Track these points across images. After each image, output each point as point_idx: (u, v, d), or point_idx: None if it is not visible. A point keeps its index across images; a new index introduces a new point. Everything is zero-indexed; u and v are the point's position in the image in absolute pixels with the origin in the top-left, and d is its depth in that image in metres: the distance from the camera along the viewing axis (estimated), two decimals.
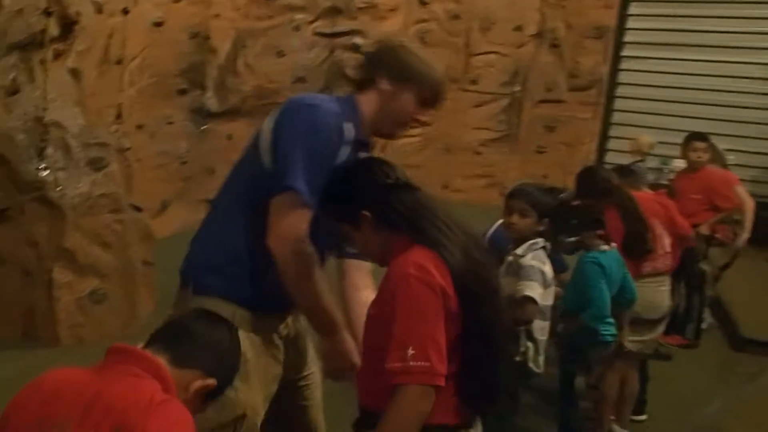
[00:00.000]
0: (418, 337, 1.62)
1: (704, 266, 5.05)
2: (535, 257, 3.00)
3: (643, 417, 4.04)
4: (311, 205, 1.87)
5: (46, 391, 1.45)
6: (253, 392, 2.03)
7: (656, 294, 3.75)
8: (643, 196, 3.93)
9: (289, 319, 2.16)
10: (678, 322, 5.07)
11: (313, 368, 2.31)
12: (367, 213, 1.78)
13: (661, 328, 3.86)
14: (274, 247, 1.89)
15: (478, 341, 1.71)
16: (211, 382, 1.59)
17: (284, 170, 1.86)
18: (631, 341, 3.61)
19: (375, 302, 1.80)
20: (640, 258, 3.69)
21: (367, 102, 2.05)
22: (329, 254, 2.17)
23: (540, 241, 3.04)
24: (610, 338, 3.33)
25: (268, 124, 1.99)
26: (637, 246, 3.64)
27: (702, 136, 5.22)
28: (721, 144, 6.02)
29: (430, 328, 1.63)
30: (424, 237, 1.72)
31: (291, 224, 1.86)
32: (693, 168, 5.18)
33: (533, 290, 2.92)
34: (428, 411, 1.64)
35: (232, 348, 1.68)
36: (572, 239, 3.33)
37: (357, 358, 2.03)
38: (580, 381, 3.72)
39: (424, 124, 2.26)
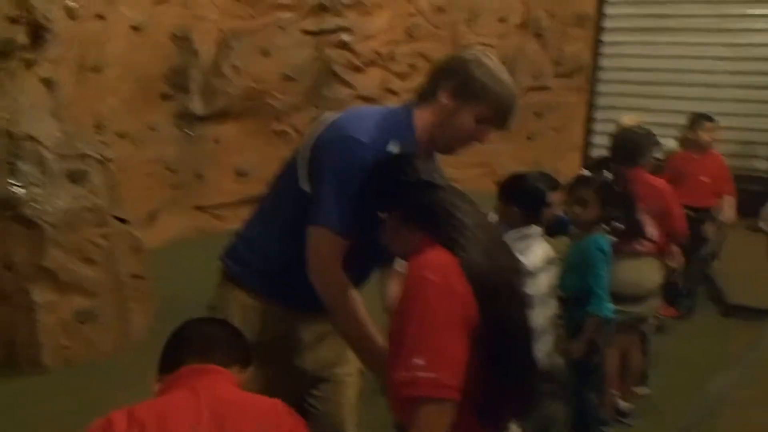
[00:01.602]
0: (428, 346, 1.45)
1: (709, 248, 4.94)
2: (513, 247, 2.66)
3: (646, 390, 3.89)
4: (344, 236, 1.82)
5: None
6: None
7: (637, 273, 3.49)
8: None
9: (321, 318, 2.00)
10: (674, 295, 4.92)
11: (350, 369, 2.16)
12: (386, 213, 1.68)
13: (652, 302, 3.62)
14: (311, 279, 1.86)
15: (503, 346, 1.53)
16: (250, 372, 1.70)
17: (316, 204, 1.82)
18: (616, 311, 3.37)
19: (397, 308, 1.60)
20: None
21: (424, 116, 1.90)
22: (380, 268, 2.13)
23: (527, 229, 2.81)
24: (611, 314, 3.16)
25: (308, 141, 1.90)
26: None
27: (710, 117, 4.97)
28: None
29: (443, 338, 1.46)
30: (440, 237, 1.57)
31: (321, 260, 1.84)
32: (701, 149, 4.92)
33: None
34: (447, 426, 1.46)
35: (240, 335, 1.73)
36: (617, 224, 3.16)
37: None
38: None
39: (485, 142, 1.95)
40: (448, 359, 1.45)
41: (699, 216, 4.71)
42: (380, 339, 1.85)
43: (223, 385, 1.53)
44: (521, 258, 2.60)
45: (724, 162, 5.04)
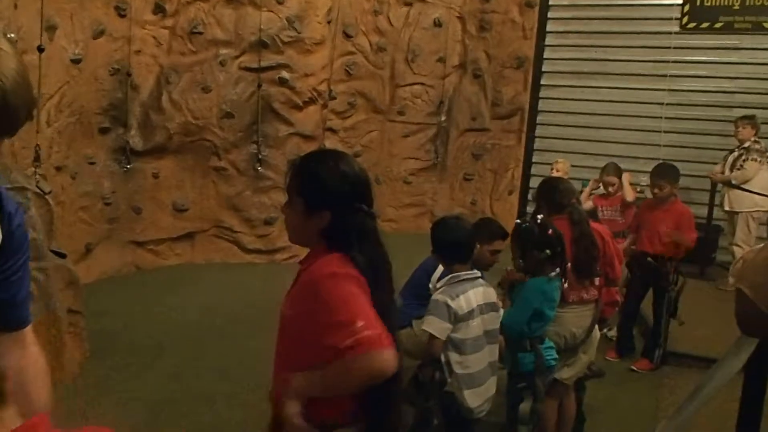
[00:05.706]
0: (362, 311, 1.75)
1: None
2: (444, 291, 3.01)
3: None
4: None
5: None
6: None
7: (579, 321, 3.66)
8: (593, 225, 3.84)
9: None
10: (647, 347, 5.20)
11: None
12: (327, 212, 1.90)
13: (591, 351, 3.76)
14: None
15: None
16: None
17: None
18: (567, 377, 3.62)
19: (290, 305, 1.90)
20: (584, 281, 3.63)
21: None
22: None
23: (462, 275, 3.01)
24: (553, 362, 3.37)
25: None
26: (585, 269, 3.60)
27: (669, 173, 5.25)
28: (634, 166, 6.12)
29: (367, 306, 1.78)
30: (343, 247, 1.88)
31: None
32: (661, 201, 5.23)
33: (430, 325, 2.98)
34: (388, 372, 1.73)
35: None
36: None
37: None
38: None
39: None
40: (378, 320, 1.76)
41: (659, 264, 5.07)
42: None
43: None
44: (453, 302, 2.93)
45: (688, 211, 5.25)
